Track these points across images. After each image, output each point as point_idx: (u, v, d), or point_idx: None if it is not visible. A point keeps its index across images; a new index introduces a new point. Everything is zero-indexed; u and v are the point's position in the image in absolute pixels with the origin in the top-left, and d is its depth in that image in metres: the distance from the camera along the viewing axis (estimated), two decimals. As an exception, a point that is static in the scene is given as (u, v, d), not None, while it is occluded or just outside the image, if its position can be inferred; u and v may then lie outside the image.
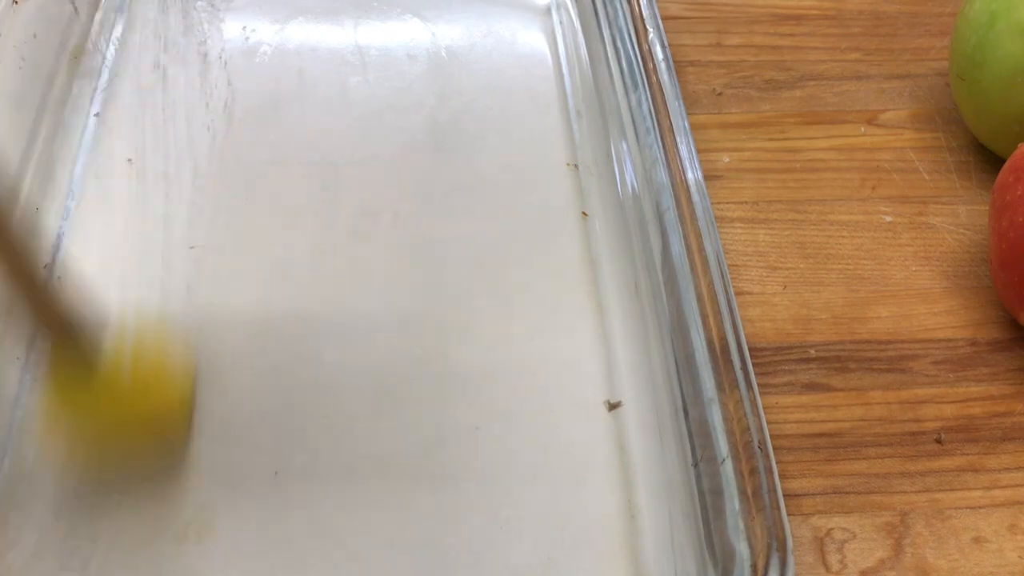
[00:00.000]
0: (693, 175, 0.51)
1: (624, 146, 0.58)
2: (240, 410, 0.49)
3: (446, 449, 0.48)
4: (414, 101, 0.63)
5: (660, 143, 0.54)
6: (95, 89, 0.63)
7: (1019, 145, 0.53)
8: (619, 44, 0.60)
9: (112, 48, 0.65)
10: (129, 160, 0.59)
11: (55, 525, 0.45)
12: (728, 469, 0.42)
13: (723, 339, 0.45)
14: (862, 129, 0.64)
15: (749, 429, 0.42)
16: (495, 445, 0.48)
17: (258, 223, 0.56)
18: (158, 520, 0.45)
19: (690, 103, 0.65)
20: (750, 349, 0.50)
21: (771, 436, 0.43)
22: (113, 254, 0.54)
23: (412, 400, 0.49)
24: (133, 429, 0.45)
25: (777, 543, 0.39)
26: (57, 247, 0.55)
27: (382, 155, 0.60)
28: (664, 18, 0.68)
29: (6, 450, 0.47)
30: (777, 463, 0.44)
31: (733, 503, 0.41)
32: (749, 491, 0.41)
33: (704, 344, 0.46)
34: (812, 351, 0.52)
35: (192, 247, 0.54)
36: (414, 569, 0.44)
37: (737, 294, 0.54)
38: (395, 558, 0.44)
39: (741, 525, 0.40)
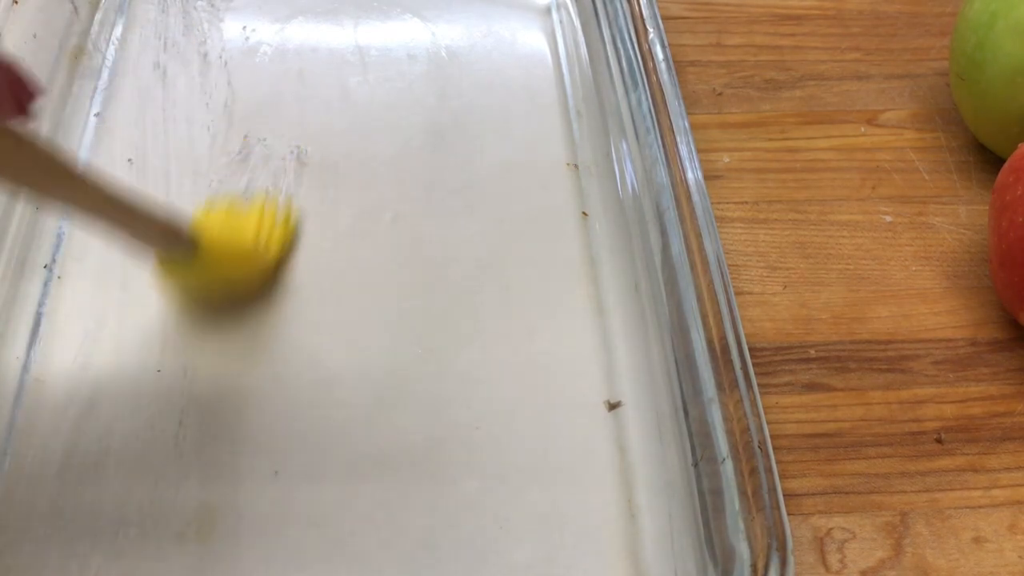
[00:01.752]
0: (693, 175, 0.52)
1: (624, 146, 0.58)
2: (240, 410, 0.49)
3: (446, 449, 0.48)
4: (414, 101, 0.63)
5: (660, 143, 0.54)
6: (95, 89, 0.63)
7: (1019, 145, 0.53)
8: (619, 44, 0.61)
9: (112, 48, 0.65)
10: (129, 160, 0.59)
11: (55, 526, 0.45)
12: (728, 469, 0.42)
13: (723, 339, 0.46)
14: (862, 129, 0.64)
15: (749, 429, 0.42)
16: (495, 445, 0.48)
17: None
18: (159, 520, 0.45)
19: (690, 103, 0.65)
20: (750, 349, 0.51)
21: (771, 436, 0.44)
22: (114, 255, 0.54)
23: (412, 400, 0.50)
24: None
25: (777, 543, 0.39)
26: (57, 247, 0.55)
27: (382, 155, 0.60)
28: (664, 18, 0.69)
29: (6, 451, 0.47)
30: (777, 463, 0.44)
31: (733, 503, 0.41)
32: (749, 491, 0.41)
33: (704, 344, 0.46)
34: (812, 351, 0.53)
35: (192, 248, 0.55)
36: (414, 569, 0.44)
37: (737, 294, 0.55)
38: (395, 558, 0.45)
39: (741, 525, 0.40)
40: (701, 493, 0.44)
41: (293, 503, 0.46)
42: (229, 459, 0.47)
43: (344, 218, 0.57)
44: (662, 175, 0.52)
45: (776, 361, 0.52)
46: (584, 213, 0.58)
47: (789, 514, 0.45)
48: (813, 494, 0.48)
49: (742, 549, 0.40)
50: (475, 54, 0.67)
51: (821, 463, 0.49)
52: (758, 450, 0.42)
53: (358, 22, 0.68)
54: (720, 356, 0.45)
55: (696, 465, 0.44)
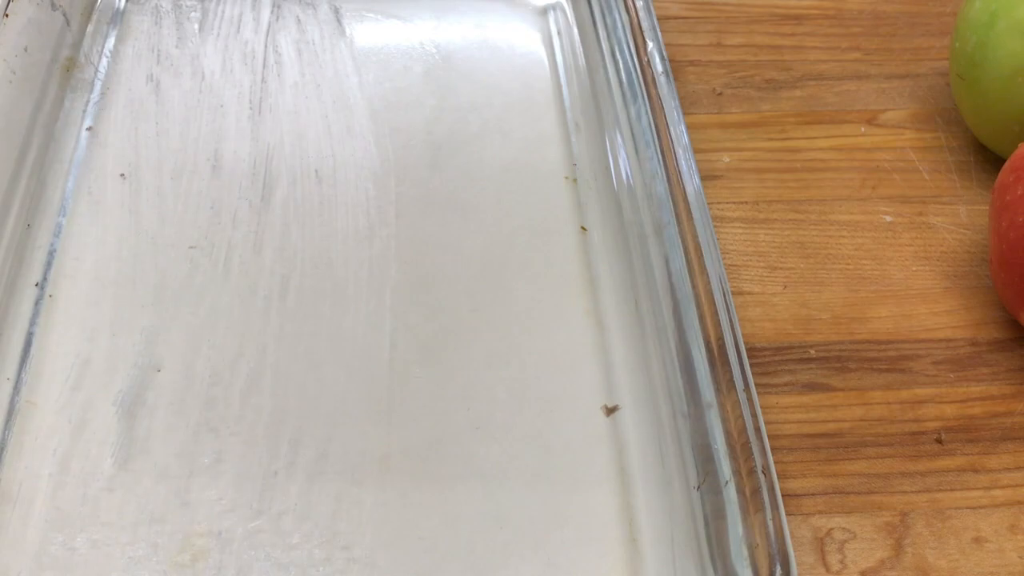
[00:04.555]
0: (693, 188, 0.53)
1: (623, 159, 0.59)
2: (240, 410, 0.50)
3: (445, 451, 0.49)
4: (412, 112, 0.64)
5: (660, 156, 0.55)
6: (87, 102, 0.63)
7: (1019, 145, 0.54)
8: (618, 55, 0.62)
9: (104, 60, 0.66)
10: (122, 175, 0.60)
11: (42, 551, 0.45)
12: (731, 492, 0.43)
13: (722, 348, 0.47)
14: (862, 129, 0.65)
15: (751, 449, 0.43)
16: (495, 445, 0.49)
17: (256, 229, 0.57)
18: (154, 542, 0.46)
19: (690, 103, 0.66)
20: (750, 349, 0.52)
21: (771, 436, 0.44)
22: (106, 271, 0.55)
23: (412, 403, 0.50)
24: None
25: (781, 570, 0.40)
26: (49, 264, 0.55)
27: (380, 164, 0.61)
28: (664, 18, 0.70)
29: (-3, 473, 0.48)
30: (777, 463, 0.45)
31: (736, 528, 0.42)
32: (752, 514, 0.42)
33: (704, 354, 0.47)
34: (812, 351, 0.54)
35: (189, 259, 0.56)
36: (414, 569, 0.45)
37: (737, 294, 0.56)
38: (395, 558, 0.45)
39: (745, 552, 0.41)
40: (703, 514, 0.45)
41: (293, 503, 0.47)
42: (230, 460, 0.48)
43: (342, 223, 0.58)
44: (662, 189, 0.53)
45: (776, 361, 0.53)
46: (583, 228, 0.58)
47: (789, 514, 0.46)
48: (813, 494, 0.49)
49: (745, 574, 0.41)
50: (472, 66, 0.68)
51: (821, 463, 0.50)
52: (761, 475, 0.43)
53: (355, 28, 0.69)
54: (719, 366, 0.46)
55: (698, 487, 0.45)
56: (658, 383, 0.50)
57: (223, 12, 0.69)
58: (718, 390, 0.46)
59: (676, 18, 0.73)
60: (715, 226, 0.55)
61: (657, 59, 0.59)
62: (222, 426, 0.49)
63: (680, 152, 0.54)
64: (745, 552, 0.41)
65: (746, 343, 0.49)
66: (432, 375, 0.52)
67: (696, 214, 0.52)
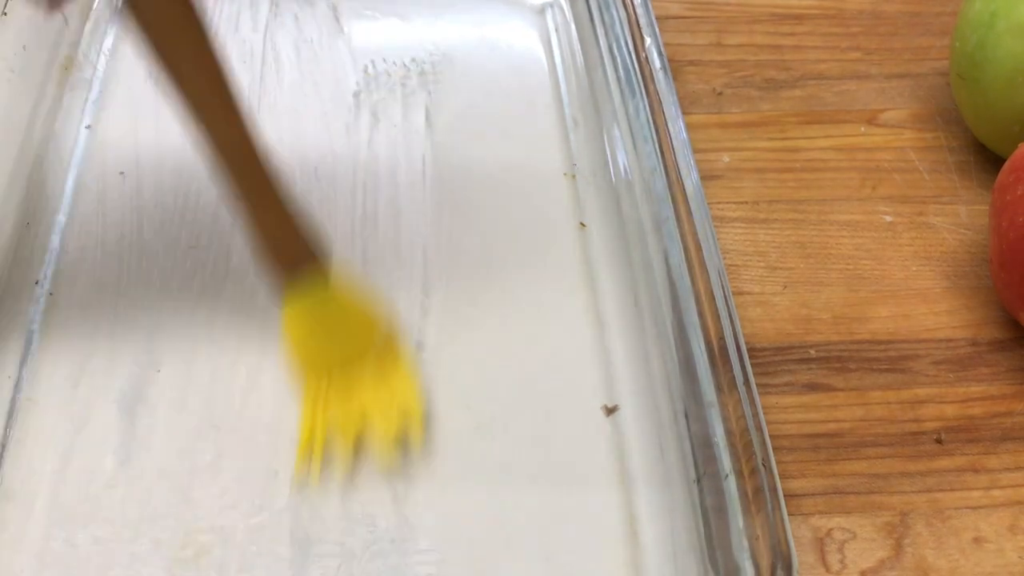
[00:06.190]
0: (692, 185, 0.53)
1: (622, 155, 0.59)
2: (241, 411, 0.50)
3: (445, 451, 0.49)
4: (410, 110, 0.65)
5: (659, 152, 0.55)
6: (86, 101, 0.63)
7: (1019, 145, 0.54)
8: (616, 51, 0.62)
9: (103, 59, 0.66)
10: (122, 173, 0.60)
11: (45, 548, 0.46)
12: (731, 486, 0.43)
13: (723, 345, 0.47)
14: (862, 129, 0.65)
15: (751, 442, 0.43)
16: (495, 445, 0.50)
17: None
18: (156, 543, 0.46)
19: (690, 103, 0.67)
20: (750, 349, 0.52)
21: (771, 436, 0.45)
22: (106, 270, 0.55)
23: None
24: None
25: (782, 562, 0.40)
26: (48, 263, 0.56)
27: (378, 162, 0.61)
28: (664, 18, 0.70)
29: (-1, 469, 0.48)
30: (777, 463, 0.45)
31: (737, 521, 0.42)
32: (753, 509, 0.42)
33: (704, 350, 0.47)
34: (812, 351, 0.54)
35: (189, 258, 0.56)
36: (414, 569, 0.45)
37: (737, 294, 0.56)
38: (395, 558, 0.46)
39: (745, 544, 0.41)
40: (704, 509, 0.45)
41: (293, 503, 0.47)
42: (230, 460, 0.48)
43: (340, 223, 0.58)
44: (660, 184, 0.54)
45: (776, 361, 0.54)
46: (582, 224, 0.59)
47: (789, 514, 0.46)
48: (813, 494, 0.49)
49: (746, 567, 0.41)
50: (471, 62, 0.68)
51: (821, 463, 0.50)
52: (762, 467, 0.43)
53: (353, 26, 0.69)
54: (720, 363, 0.47)
55: (698, 481, 0.46)
56: (658, 382, 0.51)
57: (221, 10, 0.70)
58: (719, 388, 0.46)
59: (676, 17, 0.73)
60: (715, 226, 0.55)
61: (655, 56, 0.59)
62: (223, 424, 0.50)
63: (678, 148, 0.55)
64: (746, 545, 0.41)
65: (746, 343, 0.49)
66: (431, 376, 0.52)
67: (695, 209, 0.52)
